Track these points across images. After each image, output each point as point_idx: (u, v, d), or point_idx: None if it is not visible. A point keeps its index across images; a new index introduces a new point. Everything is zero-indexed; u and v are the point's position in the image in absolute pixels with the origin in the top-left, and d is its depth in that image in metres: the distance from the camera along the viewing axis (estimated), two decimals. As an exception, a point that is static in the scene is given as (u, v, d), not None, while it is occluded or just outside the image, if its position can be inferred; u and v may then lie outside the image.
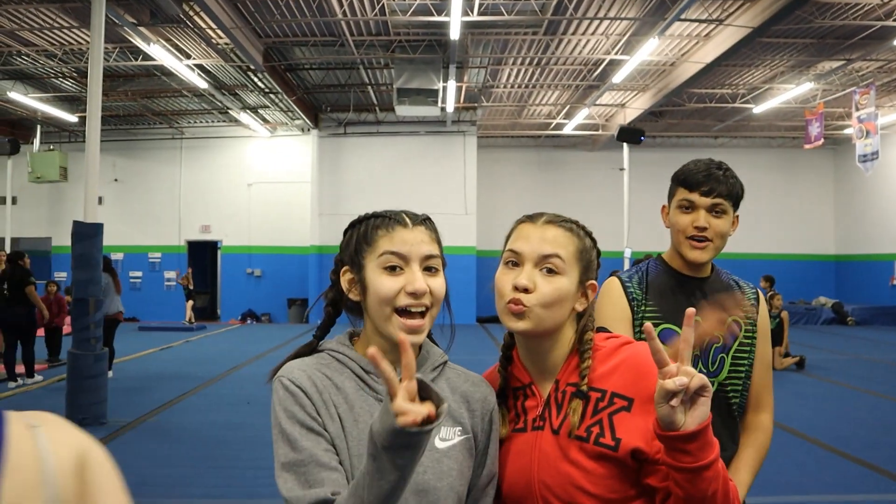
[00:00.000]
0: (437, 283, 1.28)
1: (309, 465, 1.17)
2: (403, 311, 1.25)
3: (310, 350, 1.36)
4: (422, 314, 1.26)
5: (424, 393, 1.02)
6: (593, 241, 1.43)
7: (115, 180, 18.25)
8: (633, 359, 1.33)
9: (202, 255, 18.47)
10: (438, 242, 1.33)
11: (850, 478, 5.11)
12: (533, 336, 1.37)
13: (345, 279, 1.32)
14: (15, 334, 8.52)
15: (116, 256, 18.07)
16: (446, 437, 1.29)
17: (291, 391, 1.24)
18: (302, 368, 1.28)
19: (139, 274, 18.54)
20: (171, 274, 18.45)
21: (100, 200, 16.97)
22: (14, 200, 17.46)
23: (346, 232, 1.36)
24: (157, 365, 10.42)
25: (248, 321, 18.25)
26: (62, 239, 17.57)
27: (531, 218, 1.42)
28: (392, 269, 1.26)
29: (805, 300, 19.18)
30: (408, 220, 1.30)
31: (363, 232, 1.31)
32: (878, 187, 18.34)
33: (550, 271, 1.35)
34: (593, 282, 1.41)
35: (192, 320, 16.70)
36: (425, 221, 1.32)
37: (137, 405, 7.40)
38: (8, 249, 16.21)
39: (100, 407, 6.63)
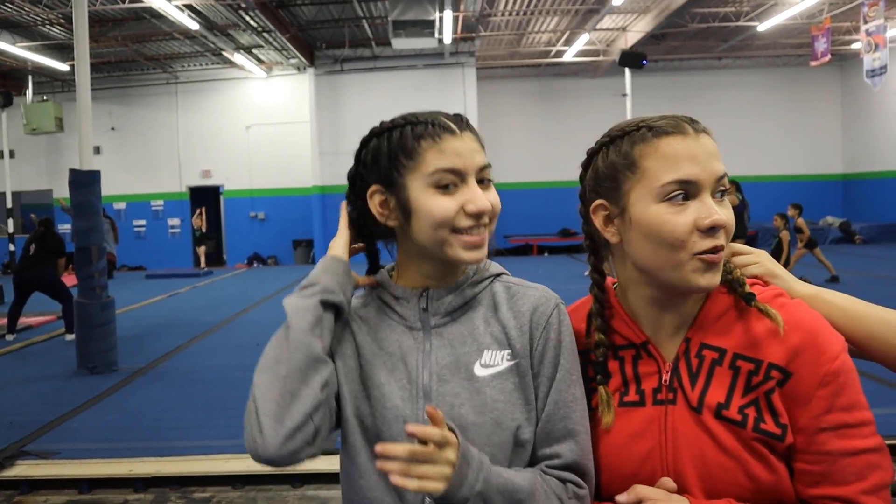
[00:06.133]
0: (495, 197, 1.10)
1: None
2: (460, 230, 1.07)
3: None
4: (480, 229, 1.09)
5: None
6: None
7: (112, 129, 18.05)
8: (796, 320, 1.01)
9: (204, 200, 18.38)
10: (483, 148, 1.13)
11: (864, 393, 5.11)
12: None
13: (374, 202, 1.12)
14: (30, 293, 8.44)
15: (119, 206, 18.04)
16: (490, 363, 1.09)
17: None
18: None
19: (143, 222, 18.51)
20: (174, 221, 18.42)
21: (98, 150, 16.98)
22: (12, 154, 17.33)
23: (365, 142, 1.15)
24: (166, 312, 10.47)
25: (255, 264, 18.30)
26: (62, 191, 17.45)
27: (678, 128, 1.01)
28: (446, 188, 1.06)
29: (812, 220, 19.06)
30: (453, 125, 1.09)
31: (399, 143, 1.08)
32: (886, 103, 17.98)
33: (724, 195, 1.02)
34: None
35: (205, 266, 16.73)
36: (469, 125, 1.12)
37: (148, 351, 7.45)
38: (9, 203, 16.21)
39: (110, 354, 6.67)
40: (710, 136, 1.02)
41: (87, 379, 6.41)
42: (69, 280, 8.72)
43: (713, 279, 0.99)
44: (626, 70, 15.10)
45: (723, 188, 1.01)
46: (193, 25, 13.07)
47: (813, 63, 14.69)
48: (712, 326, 1.05)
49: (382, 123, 1.13)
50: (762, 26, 15.13)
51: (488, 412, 1.06)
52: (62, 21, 13.53)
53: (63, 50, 15.31)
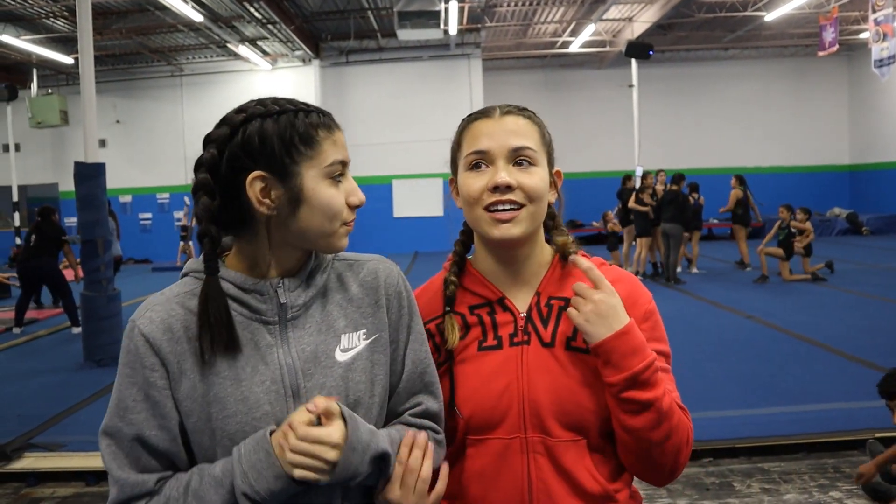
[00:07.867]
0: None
1: (133, 443, 1.03)
2: (346, 223, 1.12)
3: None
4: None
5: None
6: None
7: (117, 122, 18.02)
8: (619, 276, 1.28)
9: (210, 193, 18.35)
10: None
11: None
12: (520, 242, 1.24)
13: (255, 189, 1.05)
14: (37, 285, 8.53)
15: (124, 199, 18.04)
16: (348, 347, 1.13)
17: (134, 347, 1.06)
18: (159, 307, 1.11)
19: (149, 216, 18.51)
20: (179, 214, 18.41)
21: (103, 143, 16.97)
22: (17, 147, 17.32)
23: (241, 124, 1.06)
24: (173, 304, 10.47)
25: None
26: (68, 184, 17.46)
27: (485, 113, 1.29)
28: (336, 179, 1.10)
29: (819, 212, 18.97)
30: (332, 117, 1.14)
31: (293, 129, 1.06)
32: (894, 94, 17.84)
33: (527, 163, 1.23)
34: (558, 169, 1.33)
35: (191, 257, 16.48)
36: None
37: (155, 344, 7.44)
38: (15, 197, 16.22)
39: (116, 347, 6.63)
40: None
41: (93, 372, 6.43)
42: (70, 274, 8.75)
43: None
44: (633, 61, 14.99)
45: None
46: (198, 17, 13.03)
47: (820, 53, 14.59)
48: (557, 284, 1.28)
49: (257, 106, 1.09)
50: (769, 16, 15.01)
51: (352, 394, 1.11)
52: (66, 14, 13.51)
53: (67, 43, 15.29)
